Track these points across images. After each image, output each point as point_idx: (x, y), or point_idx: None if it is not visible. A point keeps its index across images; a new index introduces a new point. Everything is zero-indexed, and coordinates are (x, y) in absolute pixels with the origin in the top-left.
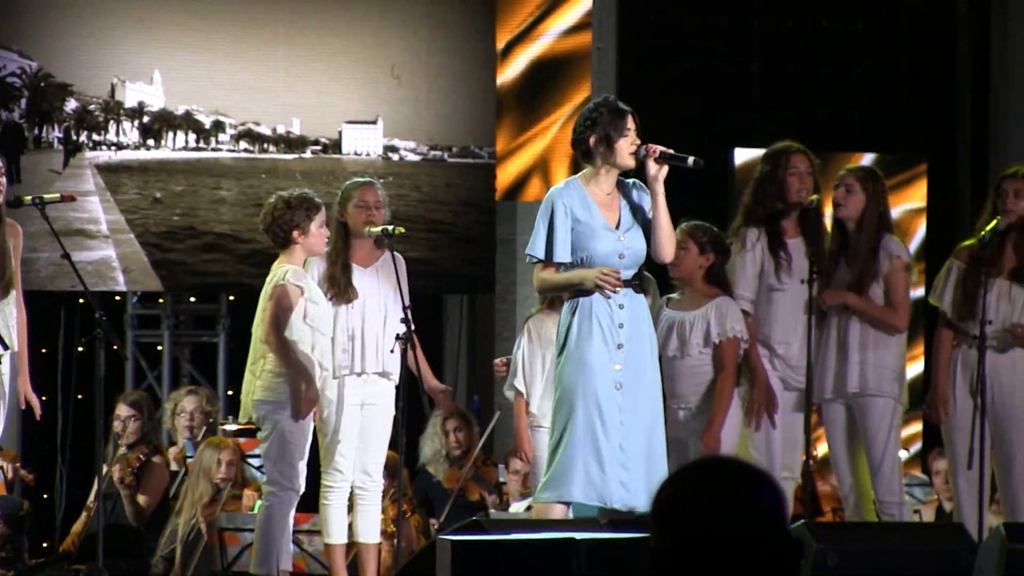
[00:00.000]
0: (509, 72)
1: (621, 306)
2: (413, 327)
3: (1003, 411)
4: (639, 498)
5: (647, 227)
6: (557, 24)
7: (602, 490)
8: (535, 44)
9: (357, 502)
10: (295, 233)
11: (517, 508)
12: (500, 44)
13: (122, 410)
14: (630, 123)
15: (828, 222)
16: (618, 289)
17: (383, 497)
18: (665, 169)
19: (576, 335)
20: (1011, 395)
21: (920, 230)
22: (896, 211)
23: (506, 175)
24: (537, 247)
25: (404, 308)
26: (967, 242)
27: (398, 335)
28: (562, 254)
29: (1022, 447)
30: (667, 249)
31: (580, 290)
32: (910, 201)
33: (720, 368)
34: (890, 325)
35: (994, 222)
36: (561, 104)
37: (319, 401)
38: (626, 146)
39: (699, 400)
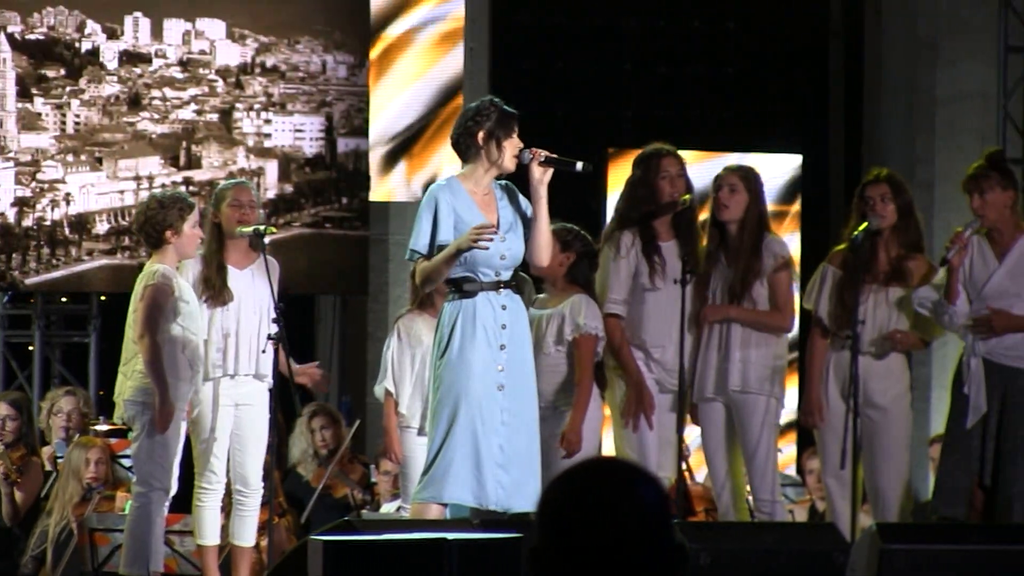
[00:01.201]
0: (382, 72)
1: (504, 307)
2: (283, 329)
3: (875, 414)
4: (517, 499)
5: (524, 229)
6: (430, 24)
7: (481, 491)
8: (407, 44)
9: (235, 508)
10: (168, 233)
11: (388, 508)
12: (373, 44)
13: (1, 408)
14: (516, 126)
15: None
16: (493, 238)
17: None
18: (549, 173)
19: (459, 336)
20: (883, 398)
21: (793, 229)
22: (769, 210)
23: (378, 175)
24: (420, 243)
25: (276, 308)
26: (840, 247)
27: (270, 335)
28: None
29: (893, 450)
30: (545, 253)
31: (462, 290)
32: (783, 201)
33: (576, 365)
34: (776, 327)
35: (865, 224)
36: (434, 105)
37: (190, 401)
38: (511, 147)
39: (557, 398)
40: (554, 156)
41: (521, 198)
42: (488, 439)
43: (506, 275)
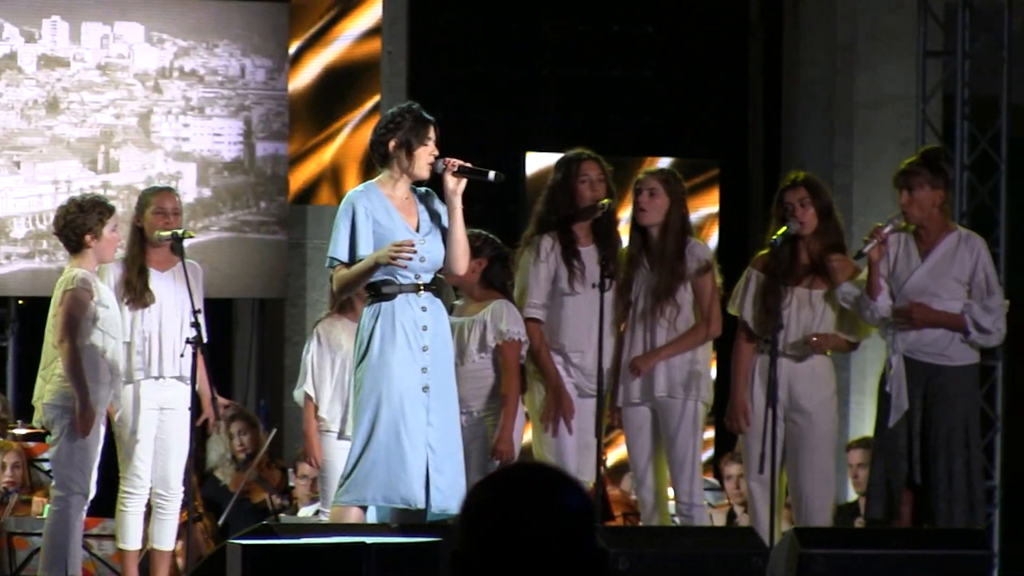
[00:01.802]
0: (301, 76)
1: (424, 308)
2: (201, 333)
3: (800, 418)
4: (453, 501)
5: (444, 233)
6: (348, 28)
7: (406, 492)
8: (326, 48)
9: (156, 511)
10: (87, 237)
11: (306, 512)
12: (292, 48)
13: None
14: (431, 133)
15: (622, 227)
16: (413, 258)
17: None
18: (463, 183)
19: (379, 340)
20: (808, 402)
21: (713, 235)
22: (691, 215)
23: (296, 179)
24: (339, 250)
25: (194, 312)
26: (763, 251)
27: (188, 339)
28: (365, 256)
29: (818, 454)
30: (462, 262)
31: (381, 293)
32: (703, 206)
33: (502, 371)
34: (706, 340)
35: (784, 228)
36: (352, 108)
37: (111, 405)
38: (424, 155)
39: (481, 405)
40: (467, 166)
41: (439, 203)
42: (414, 440)
43: (426, 277)
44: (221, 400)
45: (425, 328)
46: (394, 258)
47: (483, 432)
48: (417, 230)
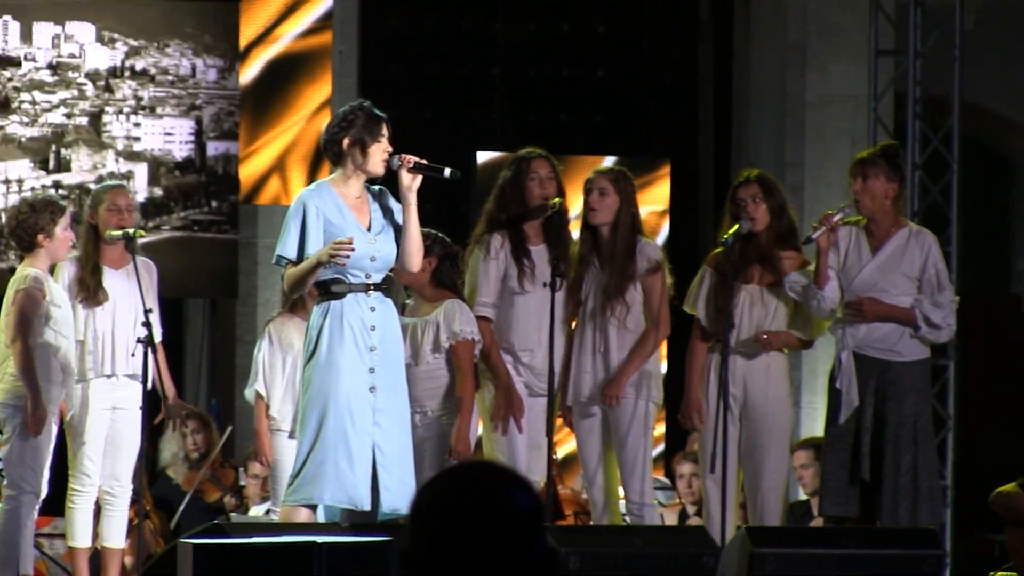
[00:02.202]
0: (250, 74)
1: (373, 308)
2: (152, 332)
3: (755, 415)
4: (403, 500)
5: (397, 232)
6: (298, 26)
7: (353, 492)
8: (276, 46)
9: (104, 507)
10: (40, 236)
11: (257, 512)
12: (242, 45)
13: None
14: (384, 130)
15: (573, 225)
16: (351, 256)
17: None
18: (419, 179)
19: (328, 339)
20: (763, 400)
21: (663, 232)
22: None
23: (246, 177)
24: (288, 249)
25: (145, 312)
26: (718, 249)
27: (139, 338)
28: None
29: (773, 452)
30: (416, 258)
31: (330, 292)
32: (653, 204)
33: (456, 372)
34: (657, 342)
35: (736, 226)
36: (302, 107)
37: (64, 404)
38: (378, 152)
39: (436, 405)
40: (423, 162)
41: (393, 201)
42: (360, 439)
43: (377, 277)
44: (181, 404)
45: (373, 328)
46: (333, 256)
47: (438, 431)
48: (369, 229)
